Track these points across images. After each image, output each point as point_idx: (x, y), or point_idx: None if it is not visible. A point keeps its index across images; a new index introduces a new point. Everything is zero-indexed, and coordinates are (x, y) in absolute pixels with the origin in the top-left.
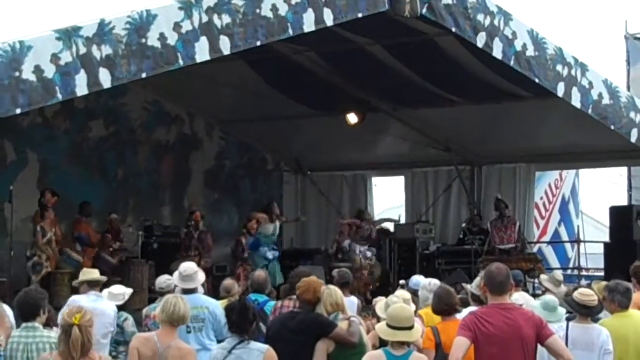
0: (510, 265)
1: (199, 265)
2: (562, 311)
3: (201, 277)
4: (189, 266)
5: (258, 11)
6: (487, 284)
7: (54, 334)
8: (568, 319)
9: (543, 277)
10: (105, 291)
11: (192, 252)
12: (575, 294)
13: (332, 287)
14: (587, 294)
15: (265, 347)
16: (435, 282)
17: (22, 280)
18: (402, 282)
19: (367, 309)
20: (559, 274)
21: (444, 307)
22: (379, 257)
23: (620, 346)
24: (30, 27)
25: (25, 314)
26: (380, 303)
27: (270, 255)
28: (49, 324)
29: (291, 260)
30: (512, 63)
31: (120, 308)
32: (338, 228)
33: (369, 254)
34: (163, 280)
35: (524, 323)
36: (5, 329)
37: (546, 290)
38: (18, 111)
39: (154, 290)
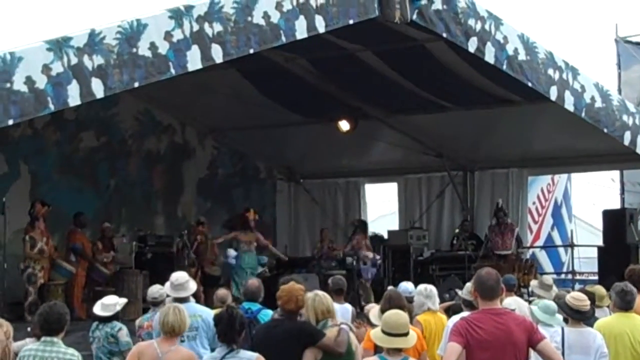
0: (504, 272)
1: (195, 275)
2: (560, 316)
3: (192, 286)
4: (180, 275)
5: (249, 19)
6: (477, 289)
7: (72, 350)
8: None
9: (532, 283)
10: (98, 302)
11: (186, 261)
12: (568, 298)
13: (321, 293)
14: (579, 298)
15: (255, 355)
16: (430, 288)
17: (15, 293)
18: (390, 288)
19: (361, 316)
20: (547, 278)
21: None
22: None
23: (615, 346)
24: (20, 38)
25: (47, 328)
26: (373, 310)
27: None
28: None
29: (285, 268)
30: (504, 67)
31: (114, 318)
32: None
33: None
34: (155, 290)
35: (515, 327)
36: (0, 342)
37: (538, 297)
38: (10, 122)
39: (147, 300)
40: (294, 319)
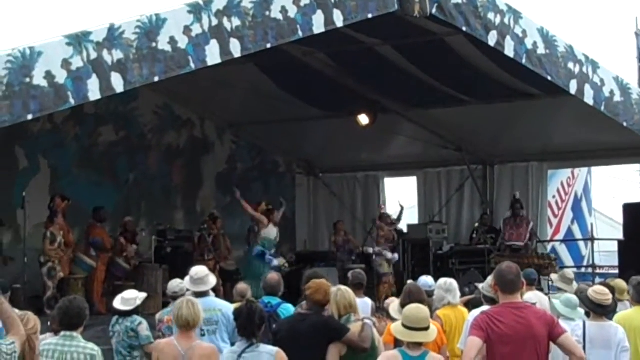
0: (523, 263)
1: (214, 269)
2: (582, 310)
3: (212, 280)
4: (200, 269)
5: (267, 13)
6: (497, 283)
7: (91, 344)
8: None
9: (553, 276)
10: (118, 296)
11: (206, 255)
12: (590, 292)
13: (343, 287)
14: (602, 293)
15: (275, 349)
16: (451, 282)
17: (35, 287)
18: (410, 282)
19: (380, 310)
20: (569, 272)
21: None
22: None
23: (634, 339)
24: (40, 33)
25: (66, 323)
26: (393, 304)
27: (275, 262)
28: None
29: (305, 262)
30: (523, 61)
31: (134, 312)
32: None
33: (396, 256)
34: (175, 285)
35: (536, 322)
36: (20, 336)
37: (559, 290)
38: (30, 117)
39: (167, 295)
40: (320, 313)
